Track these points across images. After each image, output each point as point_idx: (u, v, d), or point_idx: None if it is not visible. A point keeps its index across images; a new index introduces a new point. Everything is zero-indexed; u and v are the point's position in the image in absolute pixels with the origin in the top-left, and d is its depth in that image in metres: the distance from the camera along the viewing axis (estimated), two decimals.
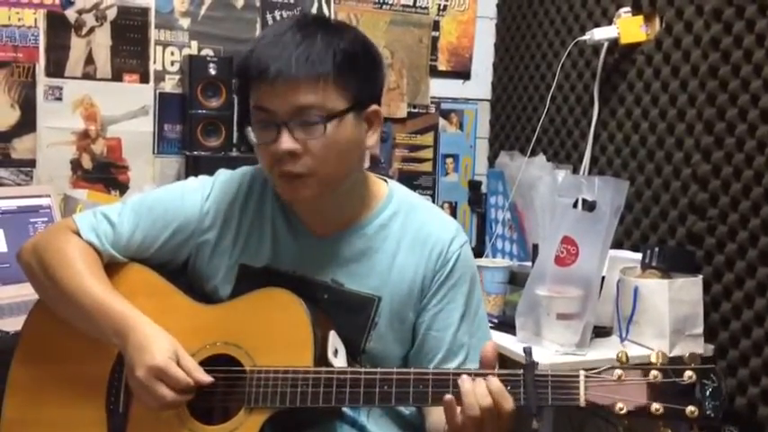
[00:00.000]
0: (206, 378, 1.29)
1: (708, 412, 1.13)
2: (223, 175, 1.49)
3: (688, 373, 1.15)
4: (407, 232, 1.43)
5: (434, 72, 3.19)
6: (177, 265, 1.47)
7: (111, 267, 1.43)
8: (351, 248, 1.42)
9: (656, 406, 1.14)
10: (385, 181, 1.50)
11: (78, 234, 1.43)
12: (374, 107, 1.37)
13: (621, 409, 1.15)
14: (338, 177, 1.35)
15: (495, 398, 1.19)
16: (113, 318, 1.33)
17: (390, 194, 1.46)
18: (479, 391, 1.20)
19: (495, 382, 1.20)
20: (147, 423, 1.33)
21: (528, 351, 1.22)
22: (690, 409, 1.13)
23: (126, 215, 1.44)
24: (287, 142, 1.29)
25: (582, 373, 1.18)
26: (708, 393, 1.13)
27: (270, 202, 1.44)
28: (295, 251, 1.43)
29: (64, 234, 1.43)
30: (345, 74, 1.29)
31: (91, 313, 1.35)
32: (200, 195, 1.45)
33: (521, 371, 1.21)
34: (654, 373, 1.15)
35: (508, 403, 1.19)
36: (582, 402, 1.17)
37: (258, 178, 1.46)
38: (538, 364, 1.21)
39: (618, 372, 1.17)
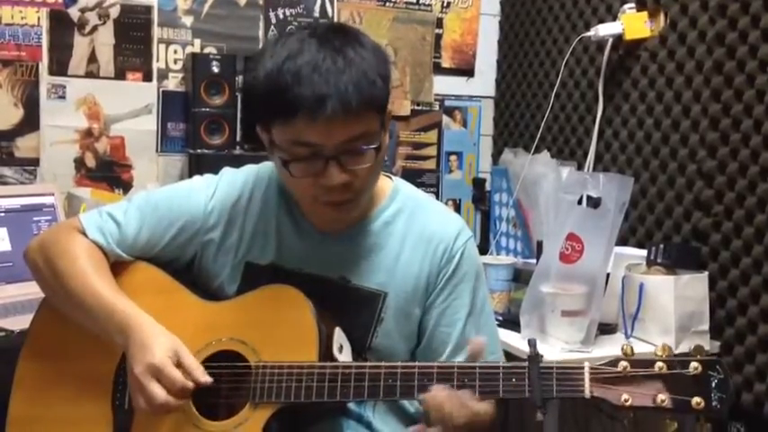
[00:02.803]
0: (205, 379, 1.28)
1: (714, 404, 1.12)
2: (228, 173, 1.49)
3: (693, 364, 1.14)
4: (412, 229, 1.43)
5: (438, 69, 3.19)
6: (183, 264, 1.47)
7: (118, 266, 1.43)
8: (356, 245, 1.42)
9: (661, 397, 1.13)
10: (390, 178, 1.50)
11: (84, 233, 1.43)
12: (388, 110, 1.36)
13: (627, 401, 1.14)
14: (373, 187, 1.38)
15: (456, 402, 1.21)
16: (117, 316, 1.33)
17: (395, 191, 1.46)
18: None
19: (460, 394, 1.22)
20: (153, 420, 1.32)
21: (533, 343, 1.22)
22: (696, 400, 1.13)
23: (131, 214, 1.44)
24: (339, 176, 1.26)
25: (587, 365, 1.18)
26: (714, 385, 1.13)
27: (274, 200, 1.44)
28: (300, 248, 1.42)
29: (70, 233, 1.43)
30: (379, 95, 1.27)
31: (95, 312, 1.35)
32: (205, 194, 1.45)
33: (525, 363, 1.20)
34: (659, 364, 1.14)
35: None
36: (587, 394, 1.16)
37: (263, 176, 1.46)
38: (543, 356, 1.20)
39: (623, 364, 1.16)
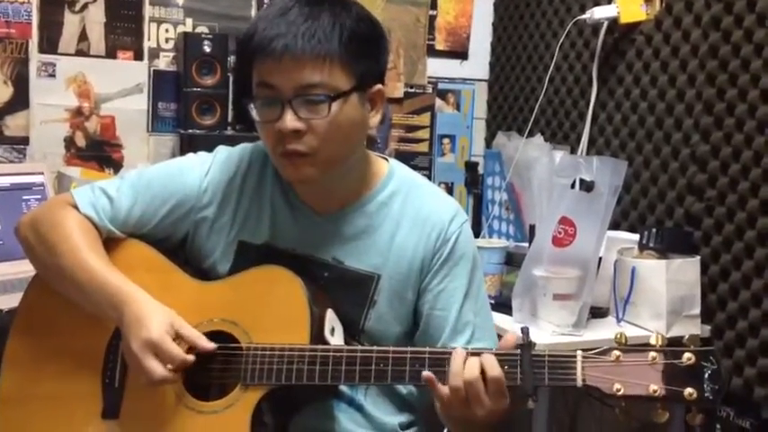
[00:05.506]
0: (209, 345, 1.29)
1: (707, 395, 1.11)
2: (222, 151, 1.48)
3: (687, 354, 1.13)
4: (407, 211, 1.42)
5: (432, 52, 3.18)
6: (175, 242, 1.46)
7: (110, 243, 1.42)
8: (351, 226, 1.41)
9: (653, 387, 1.13)
10: (386, 159, 1.49)
11: (76, 208, 1.41)
12: (378, 87, 1.35)
13: (619, 391, 1.14)
14: (341, 157, 1.34)
15: (486, 371, 1.17)
16: (110, 291, 1.32)
17: (391, 173, 1.45)
18: (469, 363, 1.19)
19: (488, 357, 1.19)
20: (143, 397, 1.32)
21: (525, 331, 1.21)
22: (688, 391, 1.12)
23: (124, 190, 1.43)
24: (291, 121, 1.27)
25: (579, 353, 1.17)
26: (707, 376, 1.12)
27: (269, 179, 1.43)
28: (294, 229, 1.41)
29: (62, 208, 1.42)
30: (351, 53, 1.27)
31: (88, 287, 1.34)
32: (199, 171, 1.44)
33: (518, 350, 1.20)
34: (652, 354, 1.14)
35: (498, 383, 1.17)
36: (579, 383, 1.16)
37: (258, 155, 1.45)
38: (535, 344, 1.20)
39: (616, 353, 1.15)
